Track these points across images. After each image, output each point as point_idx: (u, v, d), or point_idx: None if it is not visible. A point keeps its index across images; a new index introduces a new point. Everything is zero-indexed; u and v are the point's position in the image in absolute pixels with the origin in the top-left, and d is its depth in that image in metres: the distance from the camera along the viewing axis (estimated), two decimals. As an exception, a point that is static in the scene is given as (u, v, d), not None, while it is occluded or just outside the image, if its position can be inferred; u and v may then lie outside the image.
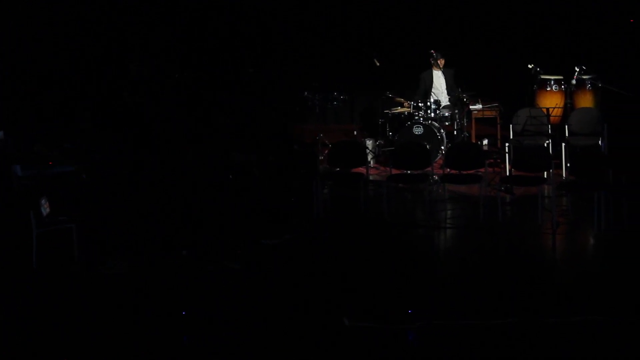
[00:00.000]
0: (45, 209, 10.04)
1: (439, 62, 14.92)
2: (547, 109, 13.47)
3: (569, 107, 14.05)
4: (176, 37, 15.14)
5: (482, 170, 12.15)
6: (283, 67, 16.44)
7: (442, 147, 13.94)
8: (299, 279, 9.50)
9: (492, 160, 13.95)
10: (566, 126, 13.64)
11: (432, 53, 14.87)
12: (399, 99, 14.95)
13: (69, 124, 12.45)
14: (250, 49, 16.09)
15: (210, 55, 15.23)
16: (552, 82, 14.27)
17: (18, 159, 10.49)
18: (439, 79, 14.99)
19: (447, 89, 14.93)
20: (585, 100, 14.16)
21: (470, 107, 14.78)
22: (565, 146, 13.31)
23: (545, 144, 13.16)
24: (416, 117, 14.33)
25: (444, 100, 14.80)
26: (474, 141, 14.79)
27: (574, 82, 14.08)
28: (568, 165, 12.99)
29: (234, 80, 14.65)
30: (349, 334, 7.97)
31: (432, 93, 14.91)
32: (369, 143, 14.62)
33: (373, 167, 14.24)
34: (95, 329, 8.19)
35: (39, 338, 8.05)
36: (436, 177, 12.57)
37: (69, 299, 8.96)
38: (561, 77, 14.28)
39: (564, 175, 13.12)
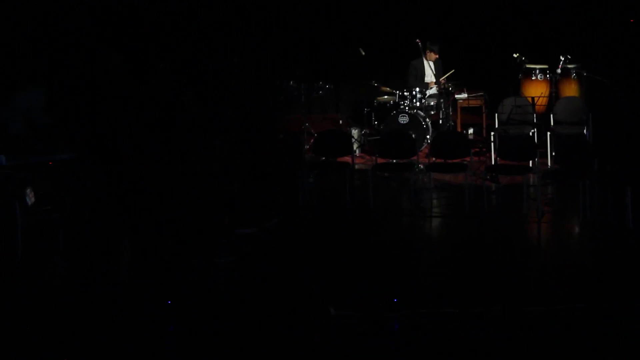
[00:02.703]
0: (30, 198, 10.00)
1: (431, 54, 14.92)
2: (532, 98, 13.49)
3: (554, 96, 14.07)
4: (157, 26, 15.06)
5: (468, 159, 12.17)
6: (267, 56, 16.40)
7: (428, 136, 13.96)
8: (284, 268, 9.51)
9: (477, 149, 13.99)
10: (551, 115, 13.68)
11: (427, 44, 14.87)
12: (384, 88, 14.96)
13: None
14: (234, 37, 16.05)
15: (193, 44, 15.17)
16: (537, 71, 14.29)
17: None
18: (428, 68, 14.99)
19: (435, 78, 14.94)
20: (570, 89, 14.19)
21: (456, 96, 14.81)
22: (550, 135, 13.35)
23: (531, 133, 13.20)
24: (401, 106, 14.34)
25: (433, 89, 14.81)
26: (459, 130, 14.83)
27: (559, 71, 14.09)
28: (553, 154, 13.01)
29: (218, 69, 14.59)
30: (335, 323, 7.98)
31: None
32: (355, 132, 14.63)
33: (359, 156, 14.25)
34: (80, 319, 8.17)
35: (25, 329, 8.03)
36: (422, 166, 12.58)
37: (55, 289, 8.94)
38: (546, 66, 14.30)
39: (549, 164, 13.15)
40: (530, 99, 13.53)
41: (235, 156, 12.60)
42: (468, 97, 14.87)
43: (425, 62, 14.97)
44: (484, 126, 14.88)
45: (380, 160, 12.42)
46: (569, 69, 14.17)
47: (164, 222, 10.59)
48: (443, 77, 14.73)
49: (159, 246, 10.03)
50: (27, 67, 13.29)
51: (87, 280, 9.12)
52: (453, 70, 14.88)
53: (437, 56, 14.98)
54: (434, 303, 8.29)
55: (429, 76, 14.98)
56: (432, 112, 14.56)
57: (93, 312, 8.28)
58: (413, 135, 12.76)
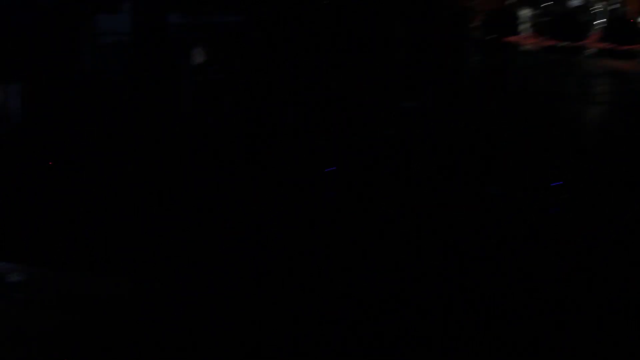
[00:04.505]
0: (199, 57, 10.18)
1: None
2: None
3: None
4: None
5: (639, 46, 11.89)
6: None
7: (600, 21, 13.61)
8: (444, 147, 9.51)
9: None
10: None
11: None
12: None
13: None
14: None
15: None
16: None
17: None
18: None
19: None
20: None
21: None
22: None
23: None
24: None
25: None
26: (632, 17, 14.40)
27: None
28: None
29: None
30: (494, 203, 7.99)
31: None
32: (525, 12, 14.35)
33: (528, 37, 13.99)
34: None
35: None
36: (591, 51, 12.32)
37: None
38: None
39: None
40: None
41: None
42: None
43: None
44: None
45: (550, 43, 12.20)
46: None
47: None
48: None
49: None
50: None
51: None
52: None
53: None
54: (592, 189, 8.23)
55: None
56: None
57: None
58: (584, 20, 12.49)
